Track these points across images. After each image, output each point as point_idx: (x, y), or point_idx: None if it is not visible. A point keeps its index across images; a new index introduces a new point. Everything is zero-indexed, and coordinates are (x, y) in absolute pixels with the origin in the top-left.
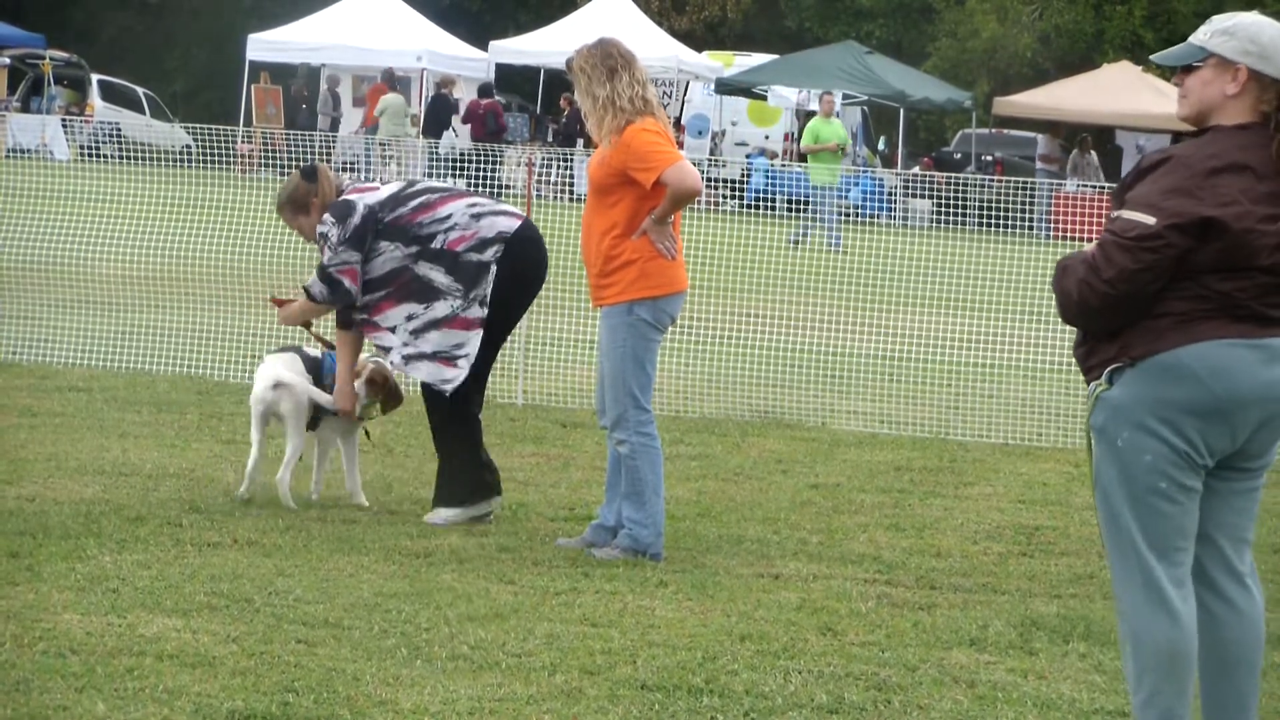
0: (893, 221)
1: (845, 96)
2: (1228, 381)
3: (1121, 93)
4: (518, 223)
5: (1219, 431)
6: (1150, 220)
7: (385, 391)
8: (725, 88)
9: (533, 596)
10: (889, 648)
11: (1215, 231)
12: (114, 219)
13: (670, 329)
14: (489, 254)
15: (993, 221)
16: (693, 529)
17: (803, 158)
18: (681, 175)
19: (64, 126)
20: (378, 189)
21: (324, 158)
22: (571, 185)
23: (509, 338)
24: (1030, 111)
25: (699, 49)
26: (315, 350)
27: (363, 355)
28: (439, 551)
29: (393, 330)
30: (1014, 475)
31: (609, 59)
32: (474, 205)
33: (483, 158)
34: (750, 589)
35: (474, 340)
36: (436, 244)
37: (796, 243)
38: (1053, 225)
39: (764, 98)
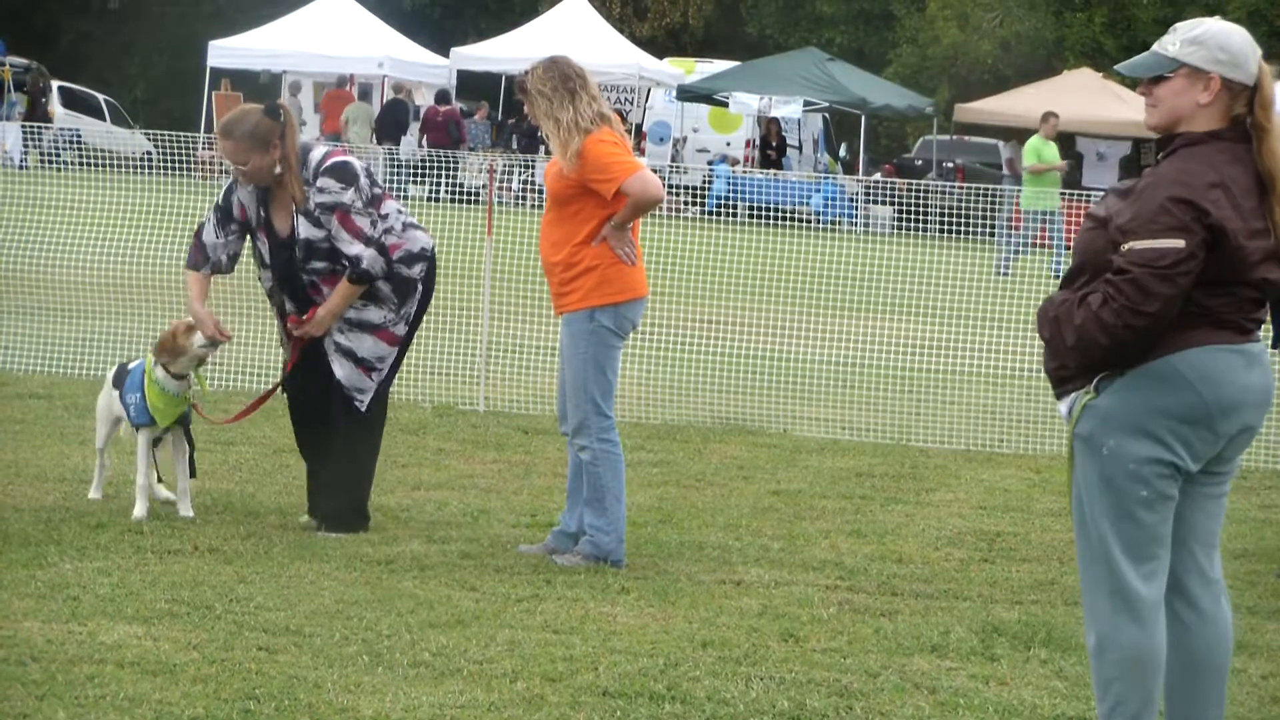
0: (854, 228)
1: (806, 103)
2: (1216, 387)
3: (1082, 99)
4: (431, 241)
5: (1205, 437)
6: (1180, 243)
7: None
8: (687, 94)
9: (494, 603)
10: (850, 654)
11: (1219, 242)
12: (74, 225)
13: (632, 335)
14: (415, 270)
15: (954, 228)
16: (654, 535)
17: (1012, 179)
18: (644, 184)
19: (24, 133)
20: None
21: None
22: (538, 192)
23: (473, 345)
24: (991, 118)
25: (660, 56)
26: (140, 362)
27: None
28: (400, 558)
29: None
30: (975, 481)
31: (568, 81)
32: (401, 213)
33: (443, 164)
34: (712, 595)
35: (390, 356)
36: (383, 240)
37: (1006, 270)
38: (1014, 231)
39: (725, 104)
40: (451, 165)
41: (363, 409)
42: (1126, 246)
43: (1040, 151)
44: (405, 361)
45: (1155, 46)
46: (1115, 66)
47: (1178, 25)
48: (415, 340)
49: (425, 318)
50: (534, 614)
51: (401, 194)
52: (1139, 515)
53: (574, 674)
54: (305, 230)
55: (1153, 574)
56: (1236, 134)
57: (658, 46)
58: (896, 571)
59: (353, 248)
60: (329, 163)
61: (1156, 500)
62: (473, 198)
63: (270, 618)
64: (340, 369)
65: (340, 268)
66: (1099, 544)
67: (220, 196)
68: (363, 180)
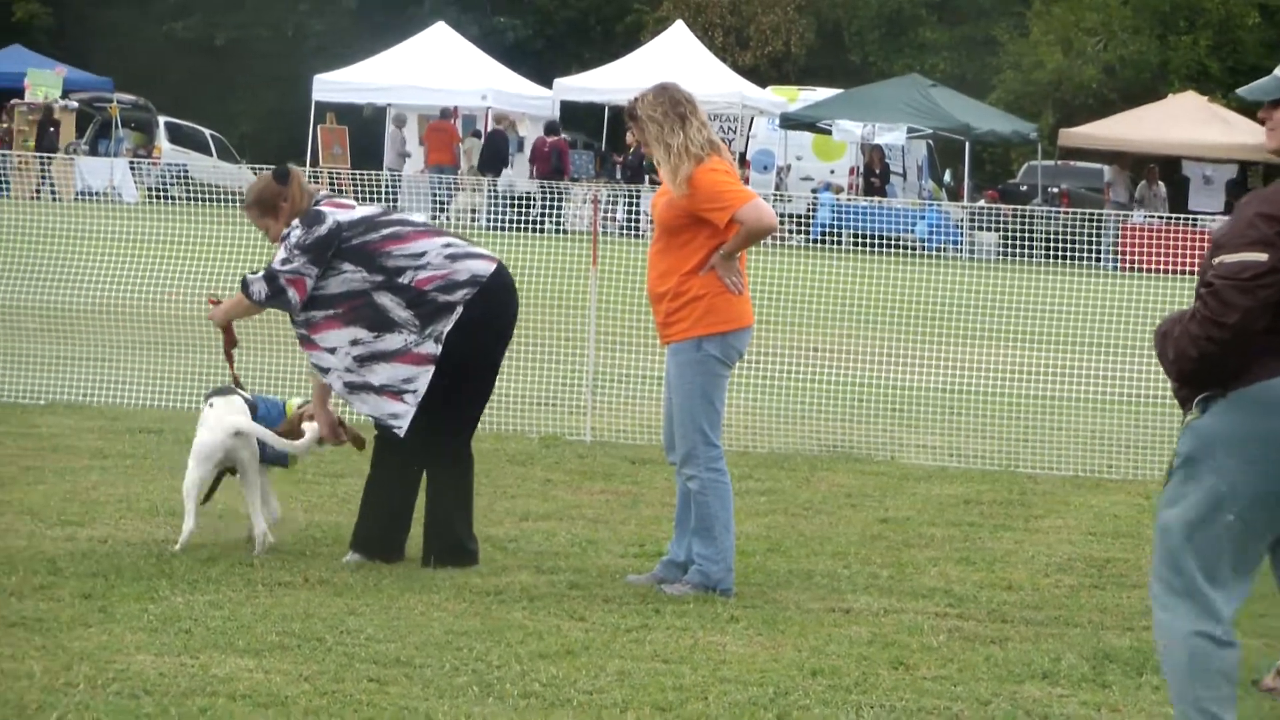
0: (959, 255)
1: (910, 130)
2: None
3: (1187, 123)
4: (492, 266)
5: None
6: (1262, 257)
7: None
8: (789, 123)
9: (604, 633)
10: (961, 682)
11: None
12: (182, 260)
13: (738, 364)
14: (457, 295)
15: (1060, 253)
16: (763, 564)
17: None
18: (758, 213)
19: (132, 169)
20: (353, 207)
21: (391, 197)
22: (637, 223)
23: (579, 376)
24: (1096, 143)
25: (763, 84)
26: (245, 393)
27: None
28: (510, 589)
29: (331, 351)
30: (1084, 507)
31: (678, 106)
32: (450, 245)
33: (547, 195)
34: (821, 624)
35: (424, 377)
36: (405, 279)
37: None
38: (1120, 257)
39: (828, 132)
40: (557, 197)
41: (400, 433)
42: (1216, 260)
43: None
44: (510, 392)
45: (1277, 70)
46: (1237, 90)
47: None
48: (520, 371)
49: (530, 349)
50: (643, 644)
51: (498, 225)
52: (1221, 538)
53: (684, 703)
54: None
55: (1225, 602)
56: None
57: (760, 75)
58: (1006, 599)
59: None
60: (308, 210)
61: (1242, 529)
62: (577, 229)
63: (380, 649)
64: (362, 405)
65: (330, 314)
66: (1178, 555)
67: None
68: (321, 228)
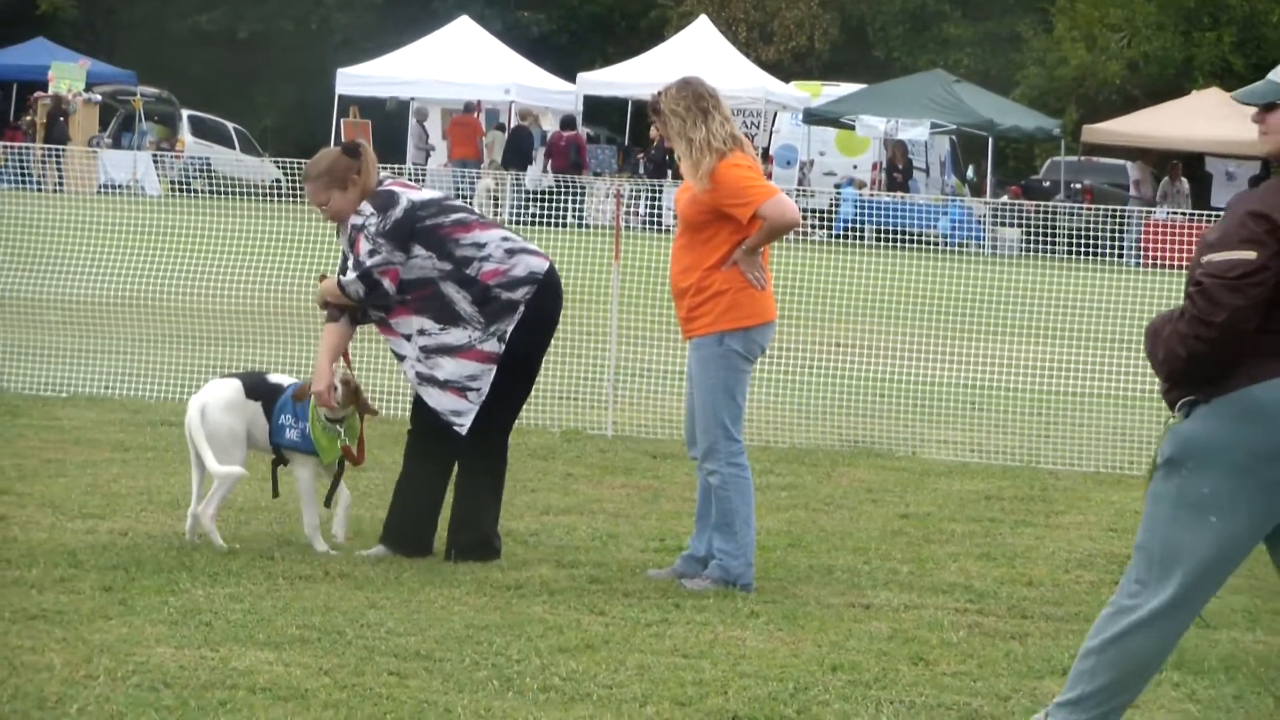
0: (982, 250)
1: (933, 125)
2: None
3: (1211, 119)
4: (546, 264)
5: None
6: (1251, 255)
7: (358, 399)
8: (813, 118)
9: (624, 628)
10: (981, 677)
11: None
12: (205, 253)
13: (760, 359)
14: (519, 293)
15: (1082, 249)
16: (783, 559)
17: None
18: (781, 208)
19: (155, 162)
20: (419, 188)
21: None
22: (659, 217)
23: (601, 370)
24: (1119, 139)
25: (786, 79)
26: (281, 379)
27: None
28: (530, 583)
29: (407, 339)
30: (1105, 504)
31: (701, 100)
32: (507, 239)
33: (569, 190)
34: (841, 619)
35: (487, 375)
36: (471, 270)
37: None
38: (1143, 252)
39: (852, 127)
40: (578, 191)
41: (462, 431)
42: (1205, 259)
43: None
44: (534, 386)
45: (1271, 74)
46: (1231, 95)
47: None
48: (542, 365)
49: (552, 343)
50: (663, 638)
51: (519, 220)
52: (1197, 534)
53: (703, 698)
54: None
55: (1191, 599)
56: None
57: (784, 70)
58: (1026, 594)
59: (350, 265)
60: (377, 190)
61: (1222, 530)
62: (599, 224)
63: (401, 643)
64: (429, 398)
65: (402, 299)
66: (1154, 551)
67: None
68: (397, 210)
